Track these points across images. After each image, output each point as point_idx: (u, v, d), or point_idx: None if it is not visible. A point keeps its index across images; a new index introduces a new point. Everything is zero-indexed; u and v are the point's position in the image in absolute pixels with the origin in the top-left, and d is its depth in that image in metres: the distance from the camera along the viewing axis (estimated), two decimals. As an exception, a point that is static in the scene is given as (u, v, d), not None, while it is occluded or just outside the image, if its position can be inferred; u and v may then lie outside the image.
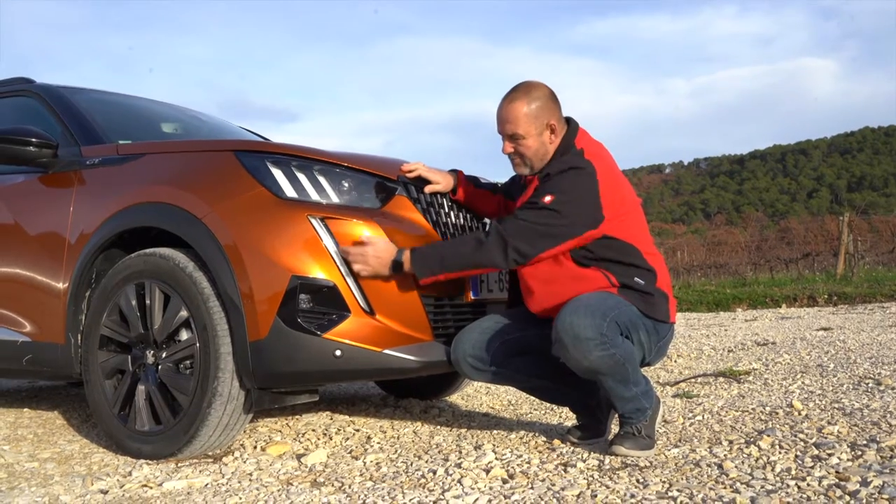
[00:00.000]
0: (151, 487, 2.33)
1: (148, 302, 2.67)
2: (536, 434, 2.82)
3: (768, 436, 2.53)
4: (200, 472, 2.49)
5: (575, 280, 2.49)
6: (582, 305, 2.36)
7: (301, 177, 2.58)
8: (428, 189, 2.76)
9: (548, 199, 2.45)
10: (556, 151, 2.58)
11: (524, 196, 2.59)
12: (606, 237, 2.48)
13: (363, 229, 2.51)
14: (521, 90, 2.57)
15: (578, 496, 2.00)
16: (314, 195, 2.56)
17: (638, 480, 2.11)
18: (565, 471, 2.26)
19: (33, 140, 3.02)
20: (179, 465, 2.57)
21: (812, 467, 2.15)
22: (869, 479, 1.97)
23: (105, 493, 2.31)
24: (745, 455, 2.34)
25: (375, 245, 2.48)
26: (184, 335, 2.63)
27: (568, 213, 2.44)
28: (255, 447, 2.82)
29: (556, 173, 2.50)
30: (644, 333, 2.47)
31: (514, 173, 2.76)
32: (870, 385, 3.50)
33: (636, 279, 2.50)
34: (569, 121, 2.64)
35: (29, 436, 3.14)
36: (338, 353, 2.44)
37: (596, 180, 2.47)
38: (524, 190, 2.66)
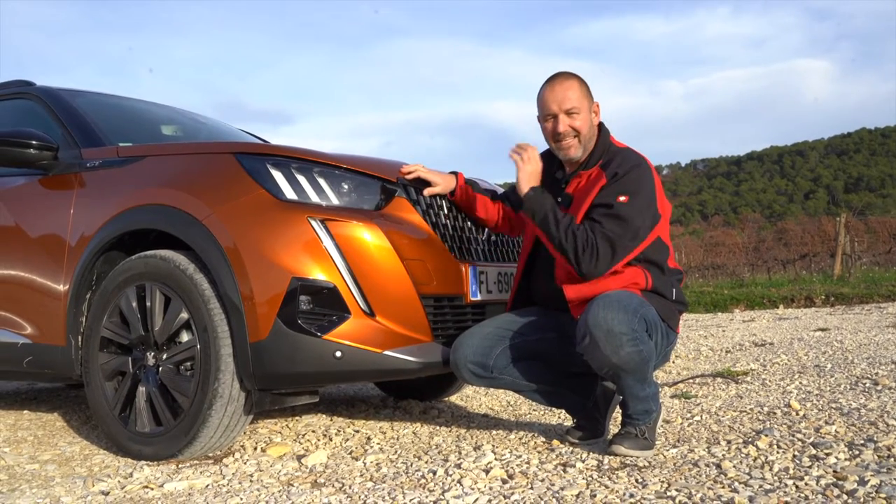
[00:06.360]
0: (152, 488, 2.34)
1: (148, 304, 2.68)
2: (535, 434, 2.84)
3: (766, 436, 2.54)
4: (201, 473, 2.50)
5: (612, 274, 2.48)
6: (613, 300, 2.35)
7: (301, 179, 2.59)
8: (427, 191, 2.77)
9: (623, 198, 2.44)
10: (599, 142, 2.60)
11: (586, 194, 2.53)
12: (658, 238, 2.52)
13: (364, 231, 2.52)
14: (568, 73, 2.63)
15: (578, 496, 2.02)
16: (314, 197, 2.57)
17: (637, 480, 2.13)
18: (564, 471, 2.27)
19: (33, 142, 3.02)
20: (180, 466, 2.58)
21: (810, 467, 2.16)
22: (866, 479, 1.98)
23: (106, 494, 2.32)
24: (743, 455, 2.35)
25: (534, 161, 2.59)
26: (184, 337, 2.65)
27: (641, 214, 2.45)
28: (256, 448, 2.83)
29: (624, 171, 2.48)
30: (660, 336, 2.49)
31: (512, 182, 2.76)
32: (867, 385, 3.51)
33: (673, 289, 2.54)
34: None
35: (29, 438, 3.14)
36: (338, 354, 2.45)
37: (653, 177, 2.51)
38: (564, 188, 2.64)
